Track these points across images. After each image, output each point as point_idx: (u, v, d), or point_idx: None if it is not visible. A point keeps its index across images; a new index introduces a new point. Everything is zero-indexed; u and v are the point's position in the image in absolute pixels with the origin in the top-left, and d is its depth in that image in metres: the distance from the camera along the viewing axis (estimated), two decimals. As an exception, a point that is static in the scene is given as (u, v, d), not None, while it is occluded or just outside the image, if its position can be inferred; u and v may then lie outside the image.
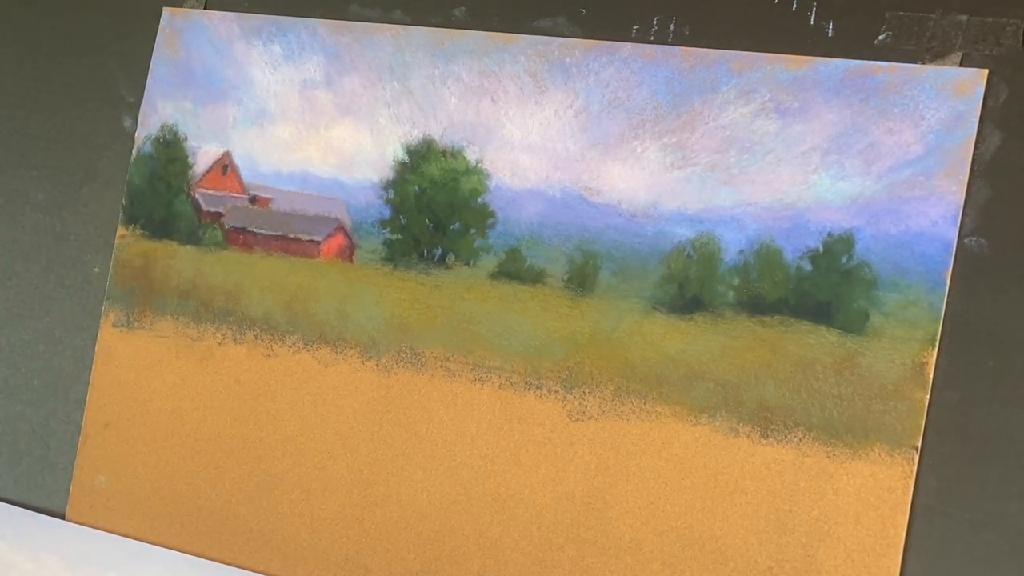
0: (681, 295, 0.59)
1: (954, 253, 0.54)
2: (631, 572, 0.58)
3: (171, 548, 0.68)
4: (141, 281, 0.71)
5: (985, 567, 0.53)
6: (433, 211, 0.65)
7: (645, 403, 0.59)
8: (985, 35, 0.55)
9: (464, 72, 0.65)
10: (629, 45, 0.62)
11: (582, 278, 0.61)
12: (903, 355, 0.54)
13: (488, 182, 0.64)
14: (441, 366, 0.64)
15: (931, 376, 0.54)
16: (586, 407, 0.60)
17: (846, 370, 0.55)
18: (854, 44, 0.57)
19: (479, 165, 0.64)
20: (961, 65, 0.55)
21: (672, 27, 0.61)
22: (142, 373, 0.70)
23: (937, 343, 0.54)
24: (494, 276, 0.63)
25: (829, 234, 0.56)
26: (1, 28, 0.78)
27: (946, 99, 0.55)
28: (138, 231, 0.71)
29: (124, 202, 0.72)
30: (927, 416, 0.54)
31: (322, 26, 0.68)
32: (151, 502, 0.69)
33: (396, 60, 0.66)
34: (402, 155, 0.66)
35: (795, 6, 0.58)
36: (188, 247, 0.70)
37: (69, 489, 0.71)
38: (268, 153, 0.69)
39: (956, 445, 0.53)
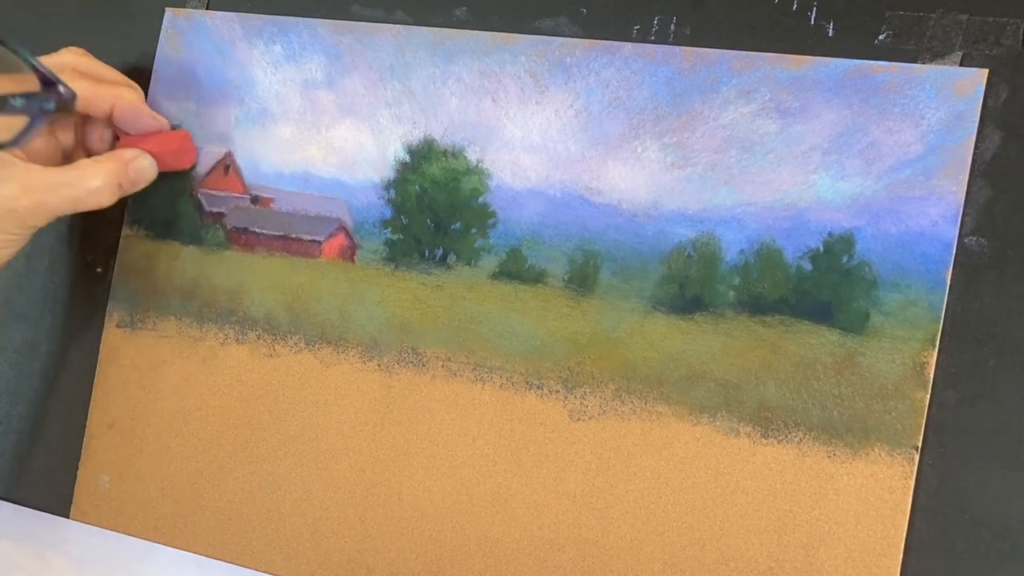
0: (682, 295, 0.59)
1: (954, 253, 0.54)
2: (632, 571, 0.58)
3: (174, 547, 0.69)
4: (145, 281, 0.72)
5: (985, 567, 0.53)
6: (434, 211, 0.65)
7: (646, 403, 0.59)
8: (985, 35, 0.55)
9: (465, 72, 0.65)
10: (630, 45, 0.62)
11: (583, 278, 0.61)
12: (903, 355, 0.54)
13: (489, 182, 0.64)
14: (442, 366, 0.64)
15: (931, 376, 0.54)
16: (587, 407, 0.60)
17: (846, 370, 0.55)
18: (854, 44, 0.57)
19: (480, 165, 0.64)
20: (961, 65, 0.55)
21: (673, 27, 0.61)
22: (145, 373, 0.71)
23: (937, 343, 0.54)
24: (495, 276, 0.63)
25: (829, 234, 0.56)
26: (2, 29, 0.78)
27: (946, 99, 0.55)
28: (141, 232, 0.71)
29: (127, 203, 0.72)
30: (927, 416, 0.54)
31: (323, 26, 0.69)
32: (154, 502, 0.69)
33: (397, 60, 0.66)
34: (403, 155, 0.66)
35: (795, 6, 0.58)
36: (191, 247, 0.70)
37: (73, 490, 0.71)
38: (270, 153, 0.69)
39: (956, 445, 0.53)
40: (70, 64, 0.67)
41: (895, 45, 0.56)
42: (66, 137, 0.68)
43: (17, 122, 0.55)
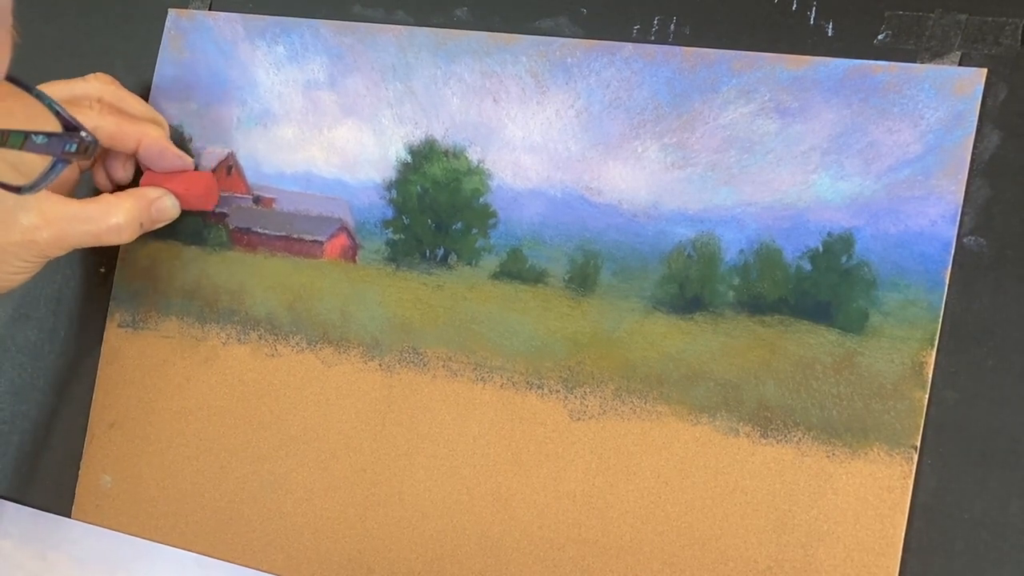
0: (681, 295, 0.59)
1: (953, 253, 0.54)
2: (631, 571, 0.58)
3: (175, 547, 0.69)
4: (146, 281, 0.72)
5: (985, 567, 0.53)
6: (435, 211, 0.65)
7: (646, 403, 0.59)
8: (984, 34, 0.55)
9: (466, 72, 0.65)
10: (630, 45, 0.62)
11: (583, 278, 0.61)
12: (902, 355, 0.54)
13: (490, 182, 0.64)
14: (443, 366, 0.64)
15: (930, 376, 0.54)
16: (587, 407, 0.60)
17: (845, 370, 0.55)
18: (854, 44, 0.57)
19: (481, 165, 0.64)
20: (960, 64, 0.55)
21: (673, 27, 0.61)
22: (147, 373, 0.71)
23: (936, 343, 0.54)
24: (496, 276, 0.63)
25: (829, 234, 0.56)
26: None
27: (945, 98, 0.55)
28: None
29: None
30: (926, 416, 0.54)
31: (325, 27, 0.69)
32: (156, 502, 0.70)
33: (399, 61, 0.67)
34: (405, 155, 0.66)
35: (795, 6, 0.58)
36: (193, 247, 0.71)
37: (75, 489, 0.72)
38: (272, 154, 0.69)
39: (956, 445, 0.53)
40: (96, 94, 0.66)
41: (894, 45, 0.56)
42: (85, 162, 0.68)
43: (37, 161, 0.56)
